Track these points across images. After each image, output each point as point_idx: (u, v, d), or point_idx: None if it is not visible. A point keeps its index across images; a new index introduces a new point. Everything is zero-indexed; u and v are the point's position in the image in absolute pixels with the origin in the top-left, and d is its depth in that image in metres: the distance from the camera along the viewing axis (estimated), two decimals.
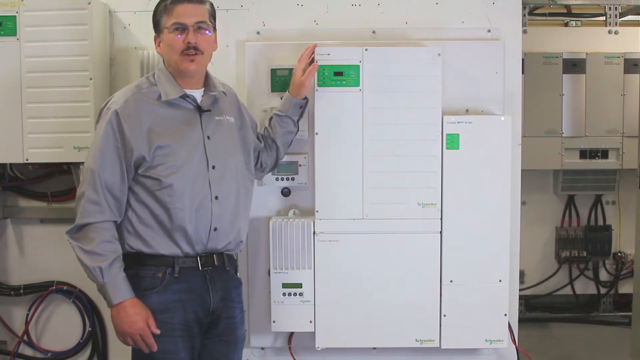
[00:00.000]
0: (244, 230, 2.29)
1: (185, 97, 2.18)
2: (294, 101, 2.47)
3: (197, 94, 2.22)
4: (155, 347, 2.07)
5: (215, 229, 2.16)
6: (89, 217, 2.07)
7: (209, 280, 2.18)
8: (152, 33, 2.21)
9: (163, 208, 2.10)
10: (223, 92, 2.29)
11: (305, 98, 2.50)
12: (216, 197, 2.16)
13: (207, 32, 2.18)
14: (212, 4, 2.24)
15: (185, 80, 2.18)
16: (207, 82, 2.26)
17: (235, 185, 2.23)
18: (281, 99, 2.55)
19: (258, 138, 2.47)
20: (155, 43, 2.22)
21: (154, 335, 2.07)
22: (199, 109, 2.20)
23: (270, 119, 2.51)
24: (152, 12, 2.20)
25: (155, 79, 2.19)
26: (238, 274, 2.35)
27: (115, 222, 2.11)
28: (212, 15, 2.23)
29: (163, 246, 2.12)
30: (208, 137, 2.18)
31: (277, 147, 2.50)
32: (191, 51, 2.13)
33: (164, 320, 2.10)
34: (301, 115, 2.52)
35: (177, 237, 2.12)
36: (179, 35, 2.13)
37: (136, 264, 2.12)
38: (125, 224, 2.14)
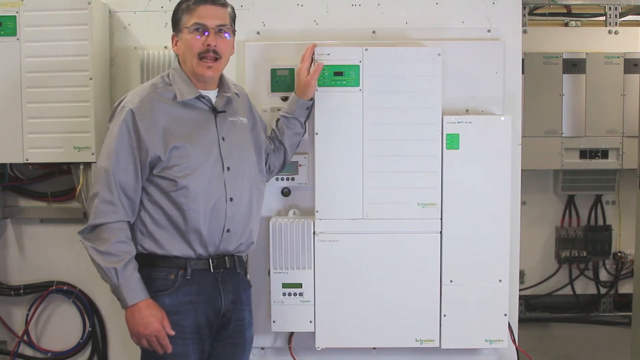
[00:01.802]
0: (255, 231, 2.29)
1: (200, 97, 2.16)
2: (301, 102, 2.46)
3: (212, 94, 2.21)
4: (170, 349, 2.06)
5: (228, 230, 2.16)
6: (103, 217, 2.05)
7: (220, 282, 2.18)
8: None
9: (178, 209, 2.09)
10: (236, 93, 2.28)
11: (312, 99, 2.49)
12: (231, 199, 2.16)
13: (226, 35, 2.17)
14: (233, 9, 2.24)
15: (195, 80, 2.17)
16: (221, 83, 2.25)
17: (248, 186, 2.23)
18: (281, 99, 2.54)
19: (268, 141, 2.47)
20: (172, 42, 2.21)
21: None
22: (214, 110, 2.19)
23: (277, 120, 2.50)
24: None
25: (170, 78, 2.17)
26: (248, 276, 2.35)
27: (128, 222, 2.10)
28: (233, 19, 2.23)
29: (176, 248, 2.11)
30: (223, 139, 2.18)
31: (285, 149, 2.49)
32: (210, 55, 2.12)
33: (175, 322, 2.09)
34: (308, 117, 2.51)
35: (191, 239, 2.11)
36: (199, 37, 2.12)
37: (148, 266, 2.11)
38: (138, 225, 2.12)
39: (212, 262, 2.15)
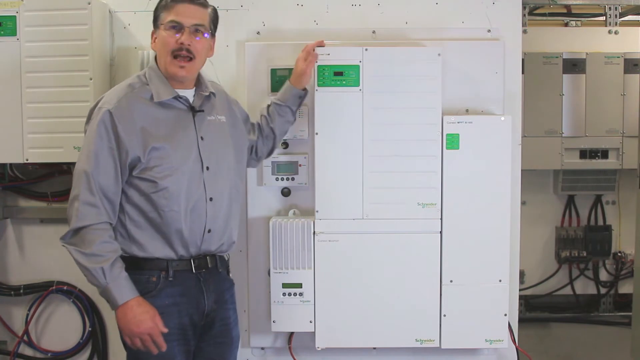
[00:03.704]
0: (236, 231, 2.28)
1: (177, 97, 2.14)
2: (294, 91, 2.47)
3: (189, 94, 2.19)
4: (164, 346, 2.04)
5: (209, 231, 2.15)
6: (85, 220, 2.02)
7: (202, 282, 2.17)
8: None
9: (157, 211, 2.08)
10: (212, 92, 2.25)
11: (305, 89, 2.49)
12: (210, 199, 2.14)
13: (205, 35, 2.15)
14: (215, 10, 2.22)
15: (176, 80, 2.15)
16: (198, 82, 2.23)
17: (228, 186, 2.22)
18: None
19: (253, 128, 2.46)
20: (151, 38, 2.18)
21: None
22: (192, 110, 2.17)
23: (268, 107, 2.50)
24: (152, 13, 2.19)
25: (147, 78, 2.15)
26: (230, 275, 2.34)
27: (110, 224, 2.08)
28: (213, 21, 2.21)
29: (157, 249, 2.10)
30: (202, 138, 2.16)
31: (275, 136, 2.49)
32: (183, 53, 2.10)
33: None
34: (299, 106, 2.52)
35: (173, 240, 2.10)
36: (177, 34, 2.10)
37: (130, 268, 2.08)
38: (118, 228, 2.10)
39: (193, 263, 2.14)
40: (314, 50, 2.50)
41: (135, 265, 2.10)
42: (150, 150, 2.06)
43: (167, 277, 2.11)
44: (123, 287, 2.03)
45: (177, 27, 2.10)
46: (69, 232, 2.04)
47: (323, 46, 2.53)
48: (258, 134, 2.48)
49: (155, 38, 2.16)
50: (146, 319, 2.02)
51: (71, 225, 2.03)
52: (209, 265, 2.18)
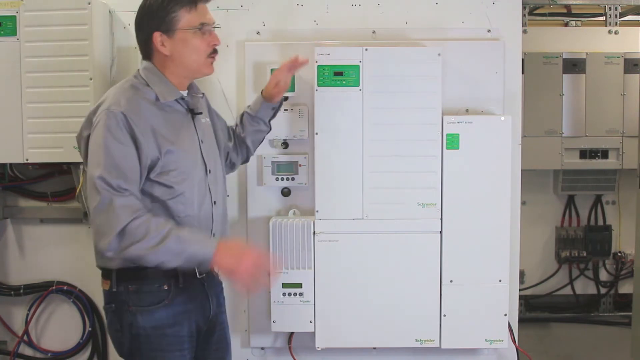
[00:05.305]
0: (228, 232, 2.27)
1: (179, 99, 2.09)
2: (265, 104, 2.40)
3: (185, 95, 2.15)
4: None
5: (214, 235, 2.13)
6: (127, 217, 1.88)
7: (207, 287, 2.14)
8: None
9: (174, 217, 2.00)
10: (203, 93, 2.23)
11: (281, 101, 2.44)
12: (214, 202, 2.13)
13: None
14: None
15: (178, 81, 2.09)
16: (190, 83, 2.17)
17: (223, 188, 2.21)
18: (284, 99, 2.51)
19: (229, 133, 2.42)
20: (154, 42, 2.02)
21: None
22: (191, 112, 2.11)
23: (242, 115, 2.44)
24: None
25: (144, 79, 2.05)
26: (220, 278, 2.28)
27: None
28: None
29: None
30: (202, 141, 2.13)
31: (247, 147, 2.44)
32: (215, 54, 2.09)
33: (174, 335, 2.02)
34: (274, 116, 2.45)
35: None
36: (205, 37, 2.05)
37: (139, 279, 2.00)
38: None
39: (197, 267, 2.06)
40: (299, 63, 2.37)
41: (145, 276, 2.00)
42: (165, 153, 1.98)
43: (177, 284, 2.03)
44: (202, 241, 1.96)
45: (207, 29, 2.05)
46: (113, 240, 1.88)
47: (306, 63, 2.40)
48: (234, 140, 2.43)
49: (162, 41, 2.02)
50: (243, 252, 1.96)
51: (113, 232, 1.88)
52: (208, 269, 2.12)
